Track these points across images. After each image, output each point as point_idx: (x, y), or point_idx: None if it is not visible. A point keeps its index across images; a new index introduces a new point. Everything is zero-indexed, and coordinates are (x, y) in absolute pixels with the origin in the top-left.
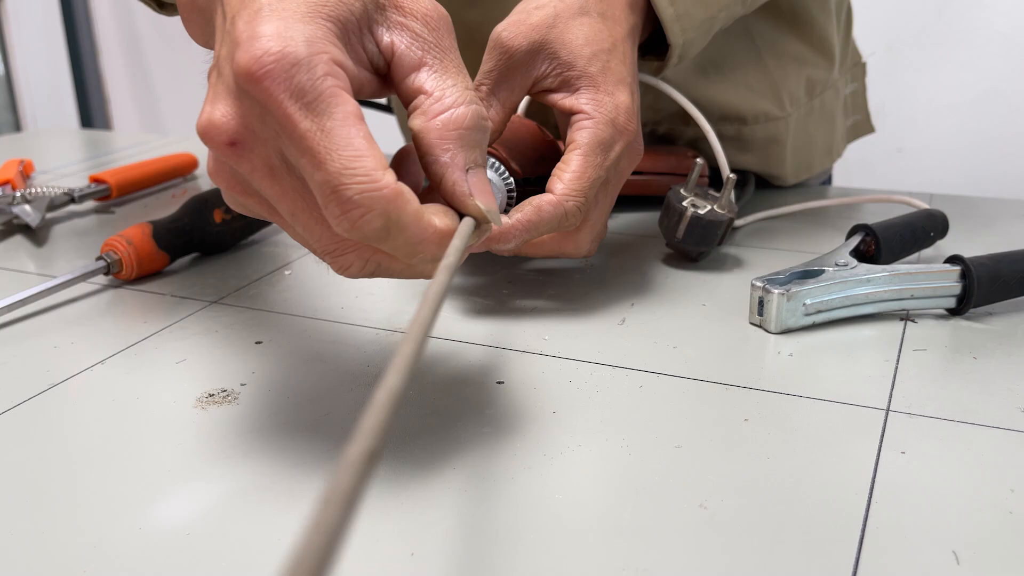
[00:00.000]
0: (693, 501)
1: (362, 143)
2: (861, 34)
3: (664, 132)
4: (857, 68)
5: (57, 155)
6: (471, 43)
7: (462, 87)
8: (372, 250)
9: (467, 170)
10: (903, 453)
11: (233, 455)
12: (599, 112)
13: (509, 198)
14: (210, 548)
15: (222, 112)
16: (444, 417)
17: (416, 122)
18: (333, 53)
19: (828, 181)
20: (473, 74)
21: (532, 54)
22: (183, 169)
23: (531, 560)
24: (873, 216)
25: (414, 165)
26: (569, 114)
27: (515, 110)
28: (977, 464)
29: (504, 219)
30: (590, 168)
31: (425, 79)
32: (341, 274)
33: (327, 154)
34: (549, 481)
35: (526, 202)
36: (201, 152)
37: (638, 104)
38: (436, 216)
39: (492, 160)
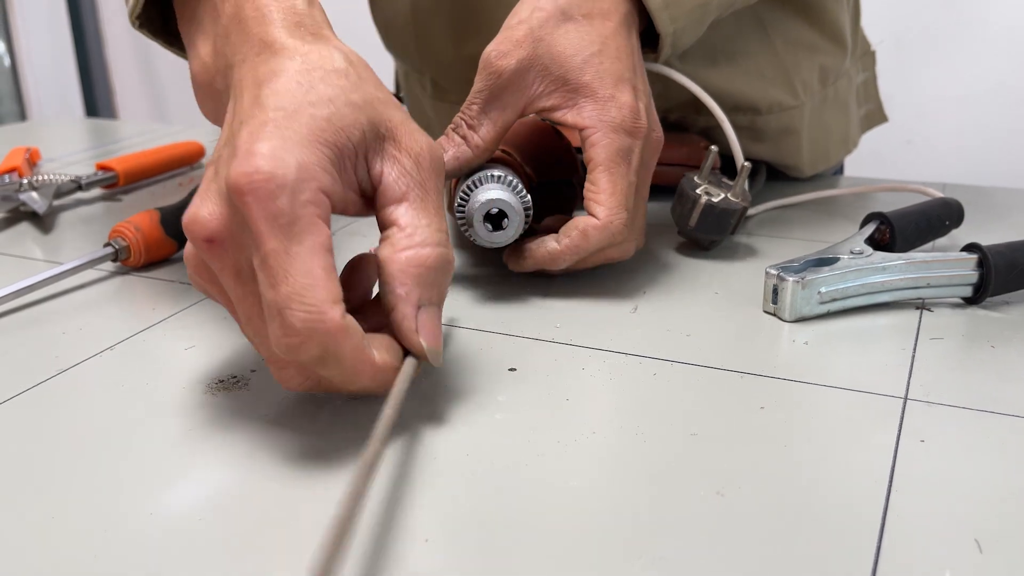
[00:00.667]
0: (710, 489)
1: (320, 274)
2: (870, 26)
3: (675, 120)
4: (867, 57)
5: (63, 143)
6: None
7: (434, 228)
8: (312, 370)
9: (419, 307)
10: (922, 441)
11: (243, 441)
12: (606, 123)
13: (527, 215)
14: (220, 533)
15: (208, 211)
16: (456, 404)
17: (383, 252)
18: (321, 181)
19: (840, 172)
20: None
21: (521, 72)
22: (190, 157)
23: (545, 548)
24: (886, 206)
25: (365, 275)
26: (577, 129)
27: (507, 129)
28: (998, 452)
29: (552, 244)
30: (619, 181)
31: (402, 214)
32: (283, 385)
33: (284, 277)
34: (563, 469)
35: (572, 226)
36: (208, 140)
37: (646, 93)
38: (378, 350)
39: (508, 176)
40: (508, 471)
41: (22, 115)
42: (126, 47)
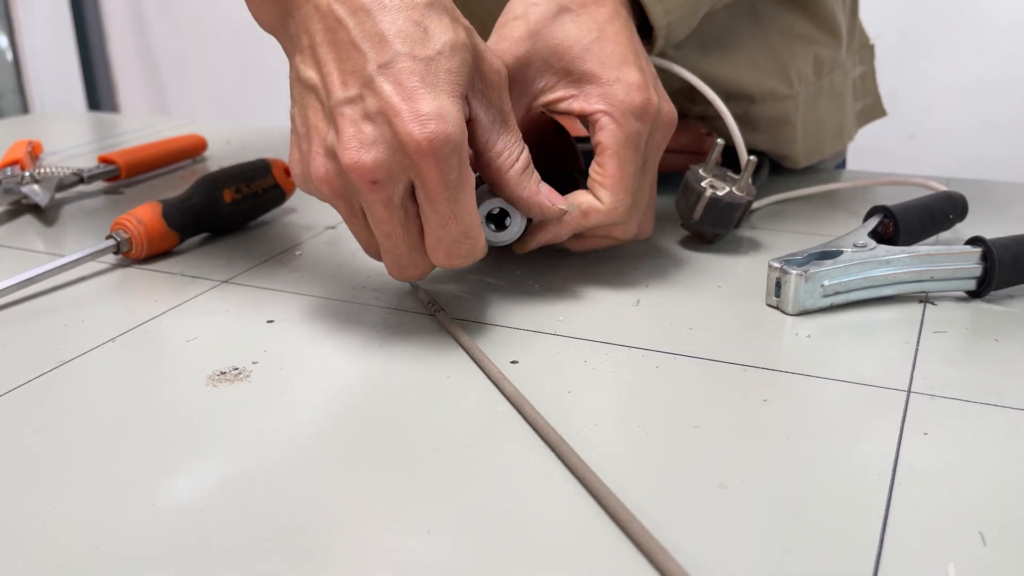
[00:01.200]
0: (712, 482)
1: (475, 213)
2: (873, 20)
3: None
4: (865, 50)
5: (65, 137)
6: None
7: (519, 142)
8: (431, 265)
9: (539, 189)
10: (926, 434)
11: (245, 433)
12: (613, 107)
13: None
14: (222, 525)
15: (374, 157)
16: (458, 397)
17: (492, 176)
18: (467, 133)
19: (842, 166)
20: None
21: (522, 69)
22: (192, 150)
23: (548, 540)
24: (889, 200)
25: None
26: (585, 116)
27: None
28: (1001, 446)
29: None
30: (627, 167)
31: (495, 140)
32: (399, 278)
33: (455, 219)
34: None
35: (575, 202)
36: (209, 134)
37: (652, 73)
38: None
39: None
40: (511, 463)
41: (24, 109)
42: (128, 41)
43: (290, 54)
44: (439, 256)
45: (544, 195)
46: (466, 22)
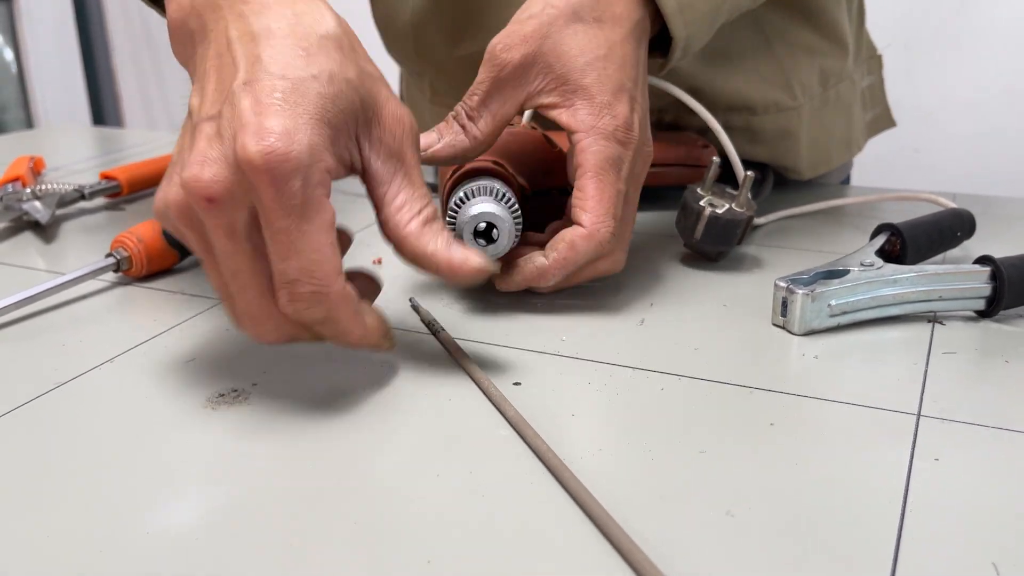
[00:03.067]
0: (719, 508)
1: (327, 250)
2: (878, 31)
3: (670, 121)
4: (873, 61)
5: (68, 152)
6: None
7: (421, 193)
8: (293, 325)
9: (450, 247)
10: (937, 460)
11: (243, 456)
12: (597, 130)
13: (517, 225)
14: (219, 550)
15: (212, 173)
16: (459, 419)
17: (392, 232)
18: (328, 161)
19: (847, 182)
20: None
21: (525, 67)
22: None
23: (552, 567)
24: (894, 216)
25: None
26: (568, 131)
27: (507, 122)
28: (1015, 471)
29: (539, 259)
30: (607, 188)
31: (395, 193)
32: (255, 339)
33: (295, 252)
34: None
35: (559, 238)
36: None
37: (643, 107)
38: (368, 315)
39: (497, 189)
40: (513, 488)
41: (29, 123)
42: (132, 56)
43: (192, 87)
44: (282, 299)
45: (456, 251)
46: (372, 67)
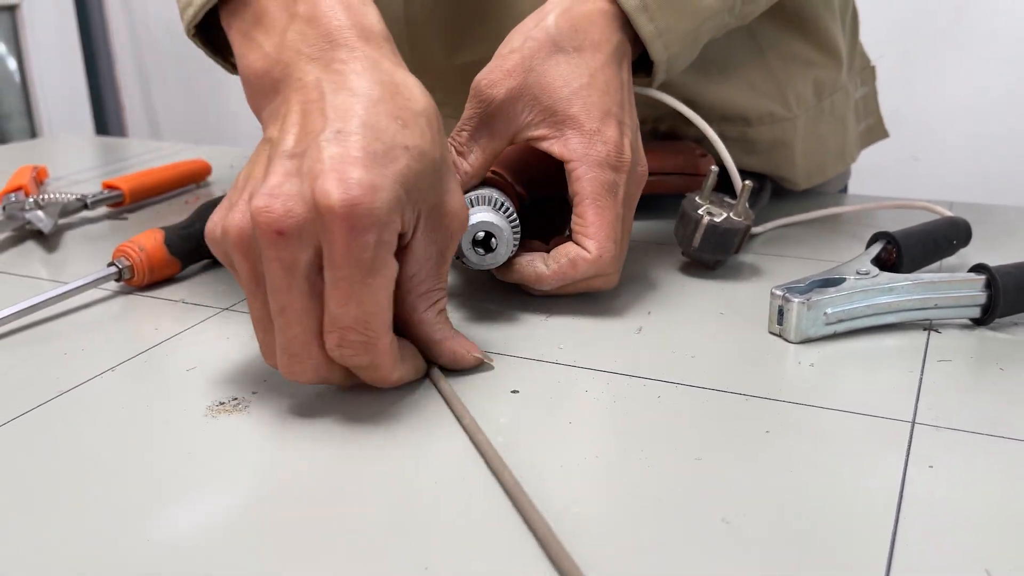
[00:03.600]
0: (715, 515)
1: (386, 305)
2: (875, 40)
3: (666, 130)
4: (866, 72)
5: (71, 161)
6: (465, 85)
7: (443, 287)
8: (329, 368)
9: (454, 334)
10: (931, 467)
11: (244, 464)
12: (591, 157)
13: (515, 234)
14: (220, 557)
15: (287, 208)
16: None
17: (411, 316)
18: (399, 224)
19: (844, 190)
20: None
21: (511, 101)
22: (196, 176)
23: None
24: (890, 224)
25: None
26: (561, 161)
27: (496, 156)
28: (1009, 478)
29: (540, 266)
30: (607, 214)
31: (423, 279)
32: (288, 376)
33: (356, 302)
34: (565, 494)
35: (563, 252)
36: (214, 159)
37: (632, 128)
38: (405, 359)
39: (496, 198)
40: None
41: (32, 132)
42: (135, 66)
43: (265, 126)
44: (330, 343)
45: (460, 344)
46: (445, 142)
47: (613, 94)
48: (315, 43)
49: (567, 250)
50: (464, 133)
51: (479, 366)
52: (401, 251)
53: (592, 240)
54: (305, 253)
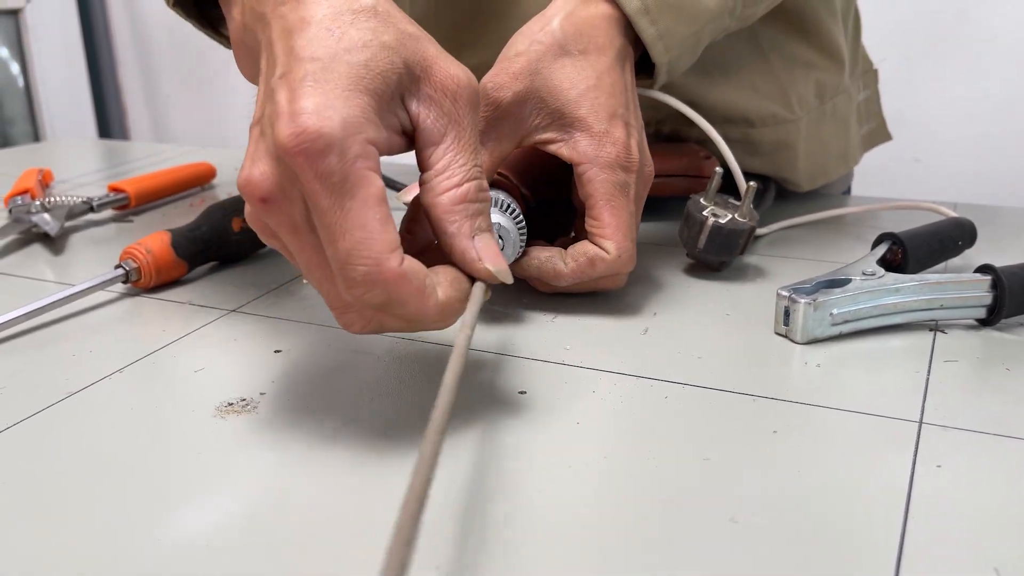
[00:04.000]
0: (723, 515)
1: (375, 226)
2: (878, 43)
3: (669, 132)
4: (868, 75)
5: (75, 165)
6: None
7: (469, 165)
8: (373, 312)
9: (473, 236)
10: (939, 467)
11: (252, 465)
12: (600, 159)
13: (521, 236)
14: (228, 559)
15: (260, 171)
16: (465, 428)
17: (426, 198)
18: (368, 133)
19: (848, 192)
20: None
21: (518, 104)
22: (201, 178)
23: (556, 575)
24: (895, 225)
25: (422, 222)
26: (571, 163)
27: (503, 159)
28: (1017, 478)
29: (559, 264)
30: (622, 213)
31: (440, 156)
32: (345, 329)
33: (341, 233)
34: (574, 494)
35: (582, 251)
36: (219, 162)
37: (638, 128)
38: (441, 287)
39: (502, 199)
40: (520, 496)
41: (35, 136)
42: (139, 69)
43: None
44: (341, 287)
45: (474, 244)
46: (414, 28)
47: (619, 96)
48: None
49: (585, 249)
50: None
51: (492, 282)
52: (414, 140)
53: (610, 240)
54: (297, 207)
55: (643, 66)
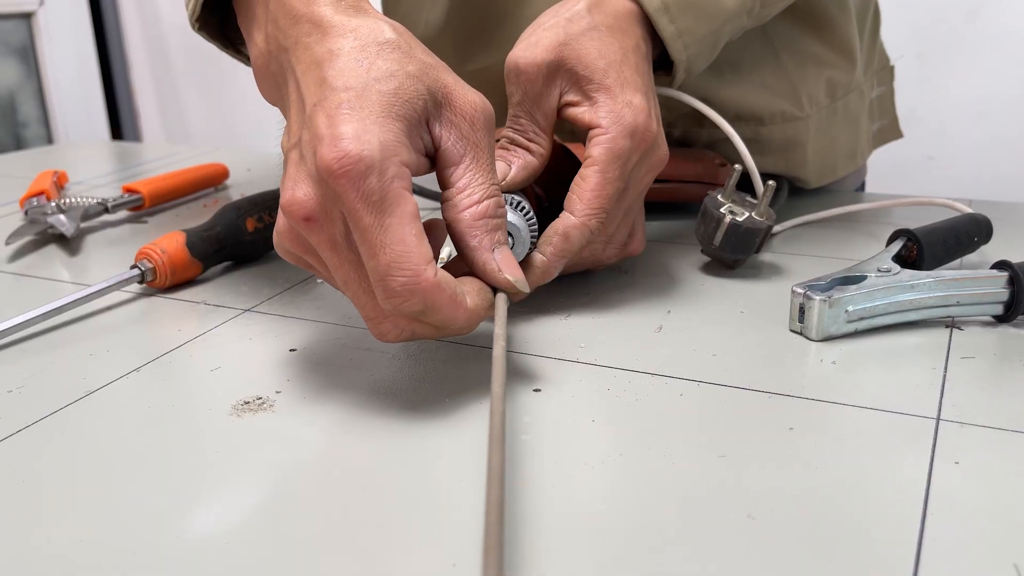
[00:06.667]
0: (740, 512)
1: (412, 240)
2: (891, 40)
3: (679, 135)
4: (884, 72)
5: (89, 166)
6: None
7: (488, 183)
8: (407, 320)
9: (493, 249)
10: (957, 463)
11: (269, 462)
12: (616, 125)
13: (532, 235)
14: (246, 556)
15: (303, 192)
16: (481, 425)
17: (448, 214)
18: (402, 155)
19: (862, 189)
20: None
21: (551, 75)
22: (215, 179)
23: (574, 571)
24: (909, 222)
25: (436, 236)
26: (588, 127)
27: (552, 127)
28: None
29: (538, 258)
30: (608, 184)
31: (460, 175)
32: (379, 339)
33: (381, 248)
34: (591, 491)
35: (552, 231)
36: (232, 162)
37: (656, 108)
38: (469, 295)
39: (514, 198)
40: (536, 493)
41: (49, 139)
42: (151, 71)
43: None
44: (379, 297)
45: (494, 258)
46: (432, 59)
47: (643, 74)
48: (287, 30)
49: (555, 227)
50: (520, 118)
51: (512, 293)
52: (436, 161)
53: (582, 203)
54: (337, 225)
55: (660, 65)
